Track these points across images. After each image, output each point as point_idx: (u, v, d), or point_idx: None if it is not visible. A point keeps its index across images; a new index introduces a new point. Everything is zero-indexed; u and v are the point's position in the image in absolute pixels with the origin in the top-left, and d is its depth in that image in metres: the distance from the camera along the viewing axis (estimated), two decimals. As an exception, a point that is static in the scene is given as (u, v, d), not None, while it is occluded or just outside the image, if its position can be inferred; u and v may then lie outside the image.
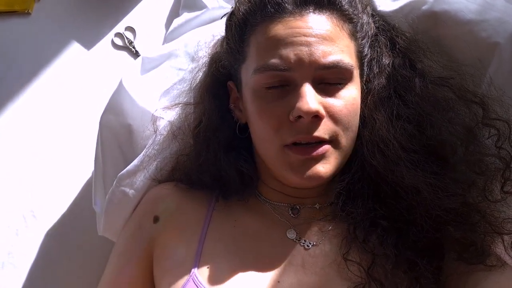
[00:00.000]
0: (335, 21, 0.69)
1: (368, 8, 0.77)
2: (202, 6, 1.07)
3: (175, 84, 0.90)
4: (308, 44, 0.66)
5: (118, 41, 1.22)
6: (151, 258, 0.76)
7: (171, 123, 0.84)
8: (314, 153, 0.66)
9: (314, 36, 0.66)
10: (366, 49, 0.74)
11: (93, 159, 0.94)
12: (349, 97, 0.68)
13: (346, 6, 0.70)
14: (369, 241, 0.69)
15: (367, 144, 0.71)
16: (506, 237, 0.67)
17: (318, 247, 0.70)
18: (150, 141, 0.85)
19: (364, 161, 0.71)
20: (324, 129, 0.66)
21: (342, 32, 0.69)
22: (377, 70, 0.75)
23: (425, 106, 0.71)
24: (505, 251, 0.67)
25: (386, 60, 0.75)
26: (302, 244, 0.71)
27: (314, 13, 0.68)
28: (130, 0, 1.26)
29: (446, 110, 0.71)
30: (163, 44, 1.16)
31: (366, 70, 0.75)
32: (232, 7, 0.76)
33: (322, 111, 0.65)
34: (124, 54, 1.21)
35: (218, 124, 0.77)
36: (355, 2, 0.72)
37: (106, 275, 0.79)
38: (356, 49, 0.71)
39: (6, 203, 1.07)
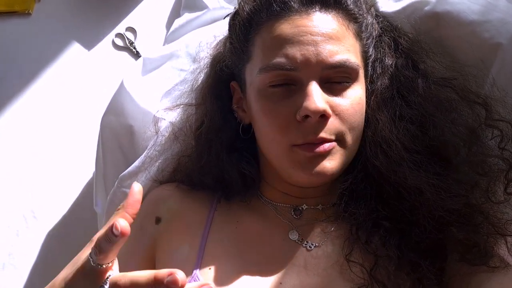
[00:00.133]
0: (340, 20, 0.69)
1: (373, 9, 0.77)
2: (203, 7, 1.07)
3: (176, 85, 0.90)
4: (314, 44, 0.66)
5: (119, 42, 1.22)
6: (152, 259, 0.76)
7: (172, 124, 0.84)
8: (321, 149, 0.66)
9: (320, 35, 0.66)
10: (370, 49, 0.74)
11: (94, 160, 0.94)
12: (355, 97, 0.68)
13: (351, 6, 0.70)
14: (371, 242, 0.69)
15: (370, 144, 0.71)
16: (509, 239, 0.66)
17: (320, 248, 0.70)
18: (152, 142, 0.85)
19: (367, 161, 0.71)
20: (330, 129, 0.66)
21: (347, 32, 0.69)
22: (380, 70, 0.75)
23: (428, 106, 0.71)
24: (508, 252, 0.66)
25: (389, 61, 0.75)
26: (304, 245, 0.71)
27: (320, 12, 0.68)
28: (131, 0, 1.26)
29: (449, 111, 0.71)
30: (164, 44, 1.16)
31: (370, 70, 0.75)
32: (235, 7, 0.76)
33: (329, 110, 0.65)
34: (124, 54, 1.21)
35: (220, 125, 0.77)
36: (360, 2, 0.72)
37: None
38: (361, 49, 0.71)
39: (7, 204, 1.07)
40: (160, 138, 0.84)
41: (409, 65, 0.75)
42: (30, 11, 1.25)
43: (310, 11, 0.68)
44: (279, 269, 0.69)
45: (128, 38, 1.22)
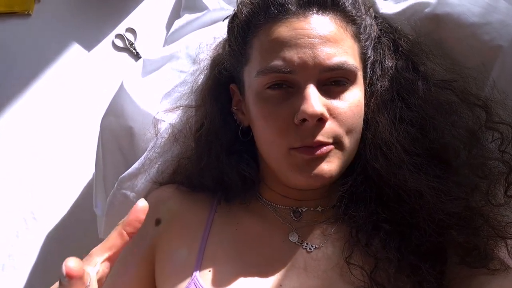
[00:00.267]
0: (338, 22, 0.68)
1: (371, 10, 0.77)
2: (203, 8, 1.07)
3: (176, 86, 0.90)
4: (312, 46, 0.65)
5: (119, 43, 1.22)
6: (152, 261, 0.76)
7: (172, 126, 0.84)
8: (319, 152, 0.66)
9: (318, 38, 0.66)
10: (369, 51, 0.73)
11: (94, 161, 0.94)
12: (353, 99, 0.68)
13: (349, 8, 0.70)
14: (371, 245, 0.69)
15: (369, 147, 0.71)
16: (509, 241, 0.66)
17: (320, 250, 0.70)
18: (151, 144, 0.84)
19: (366, 164, 0.71)
20: (327, 133, 0.66)
21: (345, 33, 0.69)
22: (380, 72, 0.75)
23: (428, 109, 0.71)
24: (508, 255, 0.66)
25: (389, 63, 0.75)
26: (304, 247, 0.70)
27: (318, 14, 0.68)
28: (130, 1, 1.26)
29: (449, 113, 0.71)
30: (164, 45, 1.16)
31: (369, 72, 0.74)
32: (234, 9, 0.75)
33: (326, 114, 0.65)
34: (124, 55, 1.21)
35: (220, 127, 0.77)
36: (359, 4, 0.72)
37: (107, 278, 0.79)
38: (360, 51, 0.71)
39: (7, 205, 1.07)
40: (160, 139, 0.84)
41: (409, 67, 0.75)
42: (29, 11, 1.25)
43: (307, 13, 0.67)
44: (279, 271, 0.69)
45: (128, 39, 1.21)
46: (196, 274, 0.69)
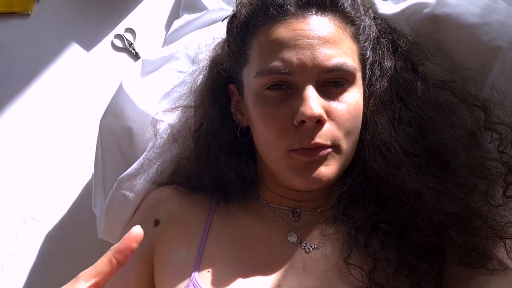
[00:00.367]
0: (337, 23, 0.68)
1: (370, 11, 0.77)
2: (203, 8, 1.07)
3: (175, 86, 0.90)
4: (311, 48, 0.65)
5: (118, 43, 1.22)
6: (151, 261, 0.76)
7: (171, 126, 0.83)
8: (317, 156, 0.66)
9: (317, 39, 0.66)
10: (368, 51, 0.73)
11: (93, 161, 0.93)
12: (352, 101, 0.68)
13: (348, 9, 0.70)
14: (370, 245, 0.69)
15: (368, 147, 0.71)
16: (508, 241, 0.66)
17: (319, 250, 0.70)
18: (151, 144, 0.84)
19: (365, 164, 0.71)
20: (326, 135, 0.66)
21: (344, 34, 0.69)
22: (379, 73, 0.75)
23: (427, 109, 0.71)
24: (507, 255, 0.66)
25: (388, 63, 0.75)
26: (303, 247, 0.71)
27: (317, 15, 0.68)
28: (130, 1, 1.26)
29: (448, 114, 0.71)
30: (163, 46, 1.16)
31: (368, 73, 0.74)
32: (233, 10, 0.75)
33: (325, 116, 0.65)
34: (123, 55, 1.21)
35: (219, 128, 0.77)
36: (357, 5, 0.72)
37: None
38: (359, 51, 0.71)
39: (6, 205, 1.07)
40: (159, 140, 0.84)
41: (408, 67, 0.75)
42: (29, 11, 1.25)
43: (306, 14, 0.67)
44: (278, 271, 0.69)
45: (127, 39, 1.21)
46: (195, 274, 0.69)
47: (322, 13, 0.68)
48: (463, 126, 0.71)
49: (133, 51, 1.20)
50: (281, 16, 0.68)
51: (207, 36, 0.92)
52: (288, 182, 0.70)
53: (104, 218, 0.87)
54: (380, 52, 0.76)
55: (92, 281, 0.47)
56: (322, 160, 0.67)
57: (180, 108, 0.85)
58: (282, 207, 0.75)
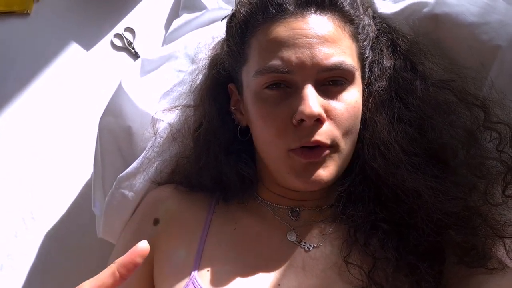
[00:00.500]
0: (336, 22, 0.69)
1: (369, 10, 0.77)
2: (202, 7, 1.07)
3: (175, 86, 0.89)
4: (310, 47, 0.65)
5: (118, 42, 1.22)
6: (151, 261, 0.76)
7: (171, 125, 0.83)
8: (317, 157, 0.66)
9: (316, 38, 0.66)
10: (367, 51, 0.73)
11: (93, 161, 0.93)
12: (351, 100, 0.68)
13: (347, 8, 0.70)
14: (370, 244, 0.69)
15: (368, 146, 0.71)
16: (507, 241, 0.67)
17: (318, 249, 0.70)
18: (150, 144, 0.84)
19: (365, 163, 0.71)
20: (325, 133, 0.66)
21: (343, 33, 0.69)
22: (378, 72, 0.75)
23: (426, 109, 0.71)
24: (506, 254, 0.67)
25: (387, 63, 0.75)
26: (302, 246, 0.71)
27: (316, 14, 0.68)
28: (129, 0, 1.26)
29: (447, 113, 0.71)
30: (162, 45, 1.16)
31: (367, 72, 0.74)
32: (232, 9, 0.75)
33: (324, 115, 0.65)
34: (123, 55, 1.21)
35: (219, 127, 0.77)
36: (357, 4, 0.72)
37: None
38: (358, 51, 0.71)
39: (5, 205, 1.06)
40: (159, 139, 0.84)
41: (407, 67, 0.75)
42: (28, 11, 1.25)
43: (305, 13, 0.67)
44: (278, 270, 0.69)
45: (126, 39, 1.21)
46: (195, 274, 0.69)
47: (321, 12, 0.68)
48: (462, 125, 0.71)
49: (132, 50, 1.20)
50: (280, 15, 0.68)
51: (206, 35, 0.92)
52: (287, 182, 0.70)
53: (103, 217, 0.87)
54: (380, 51, 0.76)
55: None
56: (321, 162, 0.67)
57: (180, 107, 0.85)
58: (282, 206, 0.75)
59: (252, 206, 0.77)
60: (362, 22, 0.72)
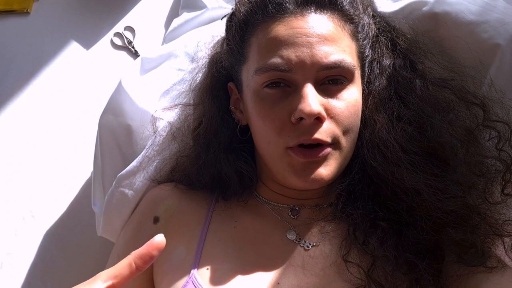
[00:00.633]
0: (336, 21, 0.69)
1: (369, 9, 0.77)
2: (202, 6, 1.07)
3: (174, 84, 0.89)
4: (309, 45, 0.66)
5: (118, 41, 1.22)
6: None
7: (170, 124, 0.83)
8: (317, 157, 0.66)
9: (315, 36, 0.66)
10: (367, 50, 0.73)
11: (92, 159, 0.93)
12: (350, 99, 0.68)
13: (347, 7, 0.70)
14: (369, 243, 0.69)
15: (367, 145, 0.71)
16: (506, 239, 0.67)
17: (318, 247, 0.70)
18: (150, 142, 0.84)
19: (364, 162, 0.71)
20: (325, 132, 0.66)
21: (343, 32, 0.69)
22: (378, 71, 0.75)
23: (425, 107, 0.71)
24: (506, 253, 0.67)
25: (386, 61, 0.75)
26: (302, 244, 0.71)
27: (316, 13, 0.68)
28: (129, -1, 1.26)
29: (446, 112, 0.71)
30: (162, 44, 1.16)
31: (367, 71, 0.75)
32: (232, 8, 0.76)
33: (324, 113, 0.65)
34: (123, 54, 1.21)
35: (218, 126, 0.77)
36: (356, 3, 0.72)
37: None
38: (357, 49, 0.71)
39: (5, 203, 1.07)
40: (158, 138, 0.84)
41: (407, 65, 0.75)
42: (28, 10, 1.25)
43: (305, 12, 0.68)
44: (277, 268, 0.69)
45: (126, 37, 1.21)
46: (194, 272, 0.69)
47: (321, 11, 0.68)
48: (461, 124, 0.71)
49: (132, 49, 1.20)
50: (280, 14, 0.68)
51: (206, 34, 0.92)
52: (286, 181, 0.70)
53: (103, 216, 0.87)
54: (379, 50, 0.76)
55: (110, 282, 0.47)
56: (321, 161, 0.67)
57: (179, 106, 0.85)
58: (281, 205, 0.75)
59: (252, 205, 0.77)
60: (361, 21, 0.72)
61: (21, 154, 1.11)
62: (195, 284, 0.67)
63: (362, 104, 0.72)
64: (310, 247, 0.70)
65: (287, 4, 0.68)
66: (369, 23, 0.75)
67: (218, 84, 0.79)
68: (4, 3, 1.25)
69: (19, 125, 1.14)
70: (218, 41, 0.85)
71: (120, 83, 0.91)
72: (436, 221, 0.67)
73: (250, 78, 0.70)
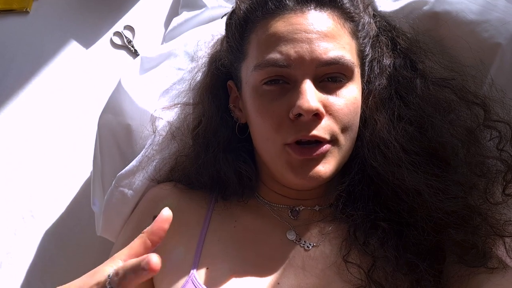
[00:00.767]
0: (336, 18, 0.68)
1: (370, 8, 0.76)
2: (202, 5, 1.07)
3: (174, 84, 0.89)
4: (309, 41, 0.65)
5: (117, 40, 1.22)
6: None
7: (170, 123, 0.83)
8: (314, 154, 0.66)
9: (315, 33, 0.66)
10: (367, 48, 0.73)
11: (92, 159, 0.93)
12: (350, 96, 0.68)
13: (347, 5, 0.70)
14: (369, 243, 0.69)
15: (367, 145, 0.71)
16: (507, 240, 0.67)
17: (318, 248, 0.70)
18: (149, 141, 0.84)
19: (364, 162, 0.71)
20: (324, 128, 0.66)
21: (343, 30, 0.68)
22: (378, 70, 0.75)
23: (426, 107, 0.71)
24: (507, 253, 0.67)
25: (387, 61, 0.75)
26: (302, 245, 0.70)
27: (315, 10, 0.68)
28: (129, -2, 1.26)
29: (447, 112, 0.71)
30: (162, 43, 1.16)
31: (367, 70, 0.74)
32: (232, 7, 0.75)
33: (322, 110, 0.65)
34: (123, 53, 1.21)
35: (218, 125, 0.76)
36: (357, 2, 0.71)
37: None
38: (357, 48, 0.71)
39: (5, 203, 1.07)
40: (158, 137, 0.84)
41: (407, 65, 0.75)
42: (28, 9, 1.25)
43: (305, 9, 0.67)
44: (277, 269, 0.69)
45: (126, 37, 1.21)
46: (194, 271, 0.69)
47: (320, 8, 0.68)
48: (462, 124, 0.71)
49: (132, 48, 1.20)
50: (280, 10, 0.68)
51: (206, 33, 0.92)
52: (284, 178, 0.70)
53: (102, 215, 0.87)
54: (379, 50, 0.76)
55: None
56: (320, 158, 0.66)
57: (179, 105, 0.85)
58: (281, 206, 0.75)
59: (252, 205, 0.76)
60: (362, 20, 0.72)
61: (21, 153, 1.11)
62: (195, 284, 0.67)
63: (363, 104, 0.72)
64: (310, 247, 0.70)
65: (287, 1, 0.68)
66: (370, 22, 0.74)
67: (218, 83, 0.79)
68: (4, 2, 1.25)
69: (18, 125, 1.14)
70: (218, 40, 0.85)
71: (119, 83, 0.91)
72: (437, 222, 0.66)
73: (249, 74, 0.70)
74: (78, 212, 1.05)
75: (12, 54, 1.21)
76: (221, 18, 0.80)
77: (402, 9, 0.82)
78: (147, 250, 0.51)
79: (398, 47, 0.76)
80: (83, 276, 0.53)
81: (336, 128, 0.67)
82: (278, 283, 0.67)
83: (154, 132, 0.84)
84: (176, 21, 1.08)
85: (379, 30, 0.78)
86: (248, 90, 0.71)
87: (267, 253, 0.70)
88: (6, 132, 1.13)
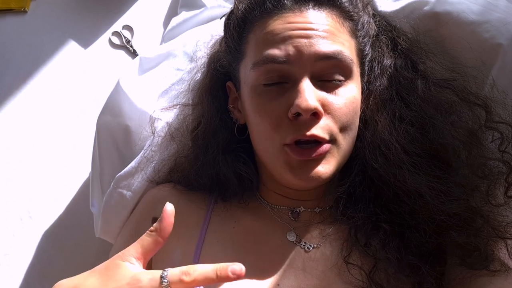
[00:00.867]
0: (335, 17, 0.68)
1: (369, 7, 0.76)
2: (201, 5, 1.06)
3: (173, 84, 0.89)
4: (307, 37, 0.65)
5: (116, 40, 1.21)
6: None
7: (169, 124, 0.83)
8: (314, 155, 0.65)
9: (313, 30, 0.66)
10: (367, 48, 0.73)
11: (90, 160, 0.93)
12: (349, 96, 0.67)
13: (346, 4, 0.69)
14: (371, 245, 0.68)
15: (368, 146, 0.70)
16: (509, 242, 0.66)
17: (318, 249, 0.70)
18: (148, 143, 0.84)
19: (365, 163, 0.70)
20: (323, 128, 0.65)
21: (342, 28, 0.68)
22: (379, 71, 0.74)
23: (427, 108, 0.71)
24: (509, 255, 0.66)
25: (387, 61, 0.75)
26: (302, 246, 0.70)
27: (314, 9, 0.67)
28: (127, -2, 1.26)
29: (449, 113, 0.71)
30: (161, 43, 1.15)
31: (366, 70, 0.74)
32: (231, 7, 0.75)
33: (321, 109, 0.64)
34: (121, 53, 1.20)
35: (217, 126, 0.76)
36: (356, 1, 0.71)
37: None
38: (357, 47, 0.71)
39: (3, 204, 1.06)
40: (157, 138, 0.83)
41: (408, 66, 0.75)
42: (26, 8, 1.25)
43: (303, 8, 0.67)
44: (277, 270, 0.68)
45: (125, 37, 1.21)
46: (193, 273, 0.68)
47: (319, 7, 0.68)
48: (464, 125, 0.71)
49: (130, 48, 1.19)
50: (278, 10, 0.67)
51: (205, 33, 0.92)
52: (283, 178, 0.69)
53: (101, 217, 0.87)
54: (380, 50, 0.76)
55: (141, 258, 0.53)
56: (319, 159, 0.66)
57: (178, 106, 0.84)
58: (282, 207, 0.74)
59: (251, 206, 0.76)
60: (361, 19, 0.71)
61: (19, 154, 1.11)
62: (194, 285, 0.66)
63: (363, 104, 0.72)
64: (311, 249, 0.70)
65: (285, 1, 0.67)
66: (369, 22, 0.74)
67: (217, 84, 0.78)
68: (2, 1, 1.25)
69: (16, 125, 1.14)
70: (217, 40, 0.85)
71: (118, 83, 0.90)
72: (439, 224, 0.66)
73: (247, 74, 0.69)
74: (76, 214, 1.04)
75: (10, 53, 1.21)
76: (220, 18, 0.80)
77: (402, 9, 0.81)
78: (159, 246, 0.53)
79: (398, 47, 0.76)
80: (97, 274, 0.54)
81: (335, 128, 0.66)
82: (278, 285, 0.67)
83: (153, 133, 0.84)
84: (175, 21, 1.08)
85: (379, 30, 0.77)
86: (246, 90, 0.70)
87: (267, 254, 0.70)
88: (4, 132, 1.13)
